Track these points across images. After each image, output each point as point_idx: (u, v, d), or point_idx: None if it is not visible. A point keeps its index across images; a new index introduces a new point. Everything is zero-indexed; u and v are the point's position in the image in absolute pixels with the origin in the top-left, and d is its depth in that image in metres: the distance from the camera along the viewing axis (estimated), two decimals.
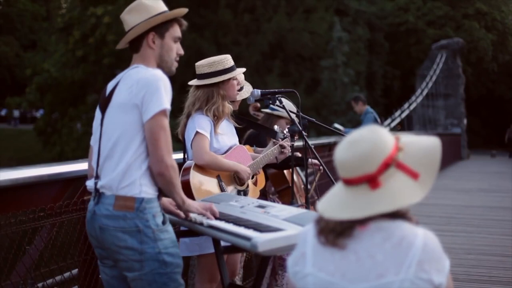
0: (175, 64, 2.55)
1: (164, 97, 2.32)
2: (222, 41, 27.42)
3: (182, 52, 2.55)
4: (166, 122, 2.34)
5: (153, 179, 2.38)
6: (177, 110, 3.40)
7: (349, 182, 1.52)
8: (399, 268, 1.44)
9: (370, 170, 1.49)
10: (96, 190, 2.40)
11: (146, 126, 2.32)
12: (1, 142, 34.30)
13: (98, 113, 2.51)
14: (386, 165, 1.49)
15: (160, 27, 2.47)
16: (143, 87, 2.32)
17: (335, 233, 1.51)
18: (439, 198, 10.25)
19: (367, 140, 1.50)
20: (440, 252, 1.48)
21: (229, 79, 3.31)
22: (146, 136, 2.34)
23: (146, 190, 2.36)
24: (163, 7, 2.51)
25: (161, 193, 2.44)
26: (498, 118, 29.96)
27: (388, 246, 1.47)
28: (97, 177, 2.42)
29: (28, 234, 2.80)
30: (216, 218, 2.57)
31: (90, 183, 2.47)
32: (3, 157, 28.43)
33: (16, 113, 42.74)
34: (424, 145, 1.55)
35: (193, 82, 3.34)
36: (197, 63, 3.34)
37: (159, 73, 2.37)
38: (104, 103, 2.46)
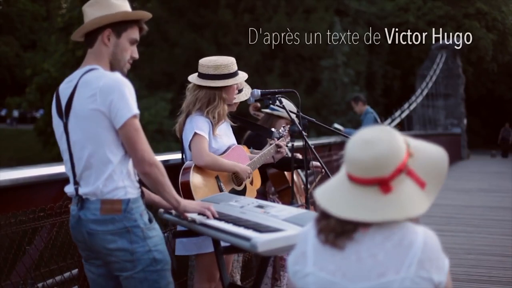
0: (128, 66, 2.48)
1: (131, 102, 2.30)
2: (222, 41, 27.38)
3: (136, 56, 2.49)
4: (138, 124, 2.32)
5: (135, 178, 2.38)
6: (178, 109, 3.39)
7: (359, 182, 1.50)
8: (399, 267, 1.45)
9: (384, 174, 1.48)
10: (79, 196, 2.36)
11: (120, 132, 2.30)
12: (1, 142, 34.28)
13: (57, 119, 2.42)
14: (400, 171, 1.49)
15: (118, 26, 2.41)
16: (107, 94, 2.27)
17: (335, 233, 1.51)
18: (439, 198, 10.07)
19: (384, 142, 1.49)
20: (439, 251, 1.49)
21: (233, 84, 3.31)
22: (123, 142, 2.31)
23: (131, 190, 2.35)
24: (125, 7, 2.45)
25: (143, 192, 2.44)
26: (498, 118, 29.96)
27: (389, 245, 1.47)
28: (76, 183, 2.39)
29: (28, 234, 2.80)
30: (215, 218, 2.57)
31: (69, 189, 2.42)
32: (3, 157, 28.40)
33: (15, 113, 42.69)
34: (432, 155, 1.55)
35: (195, 80, 3.30)
36: (202, 61, 3.30)
37: (120, 78, 2.33)
38: (64, 109, 2.38)
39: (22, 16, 45.78)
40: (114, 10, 2.41)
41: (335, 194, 1.53)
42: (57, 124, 2.43)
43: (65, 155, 2.42)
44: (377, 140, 1.49)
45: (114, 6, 2.41)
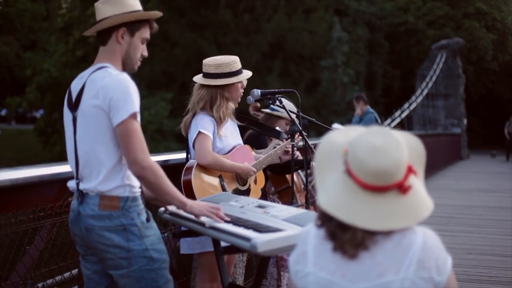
0: (138, 64, 2.52)
1: (134, 100, 2.31)
2: (222, 41, 27.38)
3: (146, 54, 2.53)
4: (137, 124, 2.31)
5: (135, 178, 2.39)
6: (178, 109, 3.39)
7: (378, 189, 1.46)
8: (399, 267, 1.45)
9: (400, 177, 1.46)
10: (79, 191, 2.38)
11: (117, 130, 2.30)
12: (1, 142, 34.26)
13: (68, 113, 2.46)
14: (410, 170, 1.48)
15: (132, 25, 2.45)
16: (108, 92, 2.30)
17: (356, 245, 1.47)
18: (439, 198, 10.24)
19: (395, 146, 1.47)
20: (440, 250, 1.49)
21: (234, 82, 3.31)
22: (118, 140, 2.32)
23: (130, 189, 2.36)
24: (138, 6, 2.49)
25: (143, 191, 2.44)
26: (498, 118, 29.91)
27: (389, 245, 1.47)
28: (78, 178, 2.41)
29: (28, 234, 2.81)
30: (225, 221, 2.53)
31: (71, 184, 2.45)
32: (3, 157, 28.38)
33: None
34: (412, 143, 1.56)
35: (198, 79, 3.32)
36: (206, 61, 3.32)
37: (124, 77, 2.35)
38: (74, 104, 2.42)
39: (22, 16, 45.71)
40: (127, 8, 2.44)
41: (356, 207, 1.47)
42: (67, 118, 2.46)
43: (71, 150, 2.44)
44: (387, 145, 1.47)
45: (127, 5, 2.45)
